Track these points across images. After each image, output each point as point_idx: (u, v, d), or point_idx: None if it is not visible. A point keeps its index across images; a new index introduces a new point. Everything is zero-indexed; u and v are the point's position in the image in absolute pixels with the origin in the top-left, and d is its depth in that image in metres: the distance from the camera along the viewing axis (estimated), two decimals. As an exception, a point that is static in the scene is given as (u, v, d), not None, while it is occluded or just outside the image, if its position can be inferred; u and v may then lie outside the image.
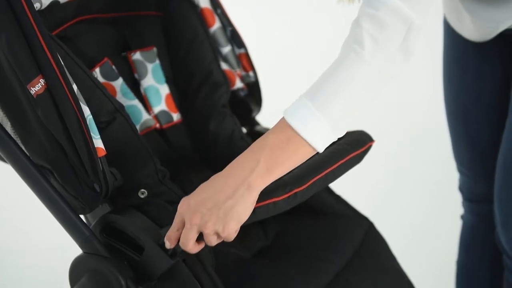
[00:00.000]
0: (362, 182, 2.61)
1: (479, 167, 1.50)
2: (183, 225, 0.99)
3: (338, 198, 1.35)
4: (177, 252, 1.05)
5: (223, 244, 1.24)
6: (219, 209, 0.95)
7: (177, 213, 0.99)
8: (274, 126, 0.97)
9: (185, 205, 0.98)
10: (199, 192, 0.98)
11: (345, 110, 0.94)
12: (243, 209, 0.95)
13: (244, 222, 0.97)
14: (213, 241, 0.98)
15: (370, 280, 1.22)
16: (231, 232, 0.96)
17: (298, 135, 0.94)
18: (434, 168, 2.55)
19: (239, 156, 0.98)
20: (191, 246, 0.98)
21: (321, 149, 0.95)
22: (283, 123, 0.95)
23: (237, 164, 0.97)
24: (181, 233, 0.99)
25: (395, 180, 2.64)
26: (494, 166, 1.42)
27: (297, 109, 0.94)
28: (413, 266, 1.88)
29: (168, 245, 1.02)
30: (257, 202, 0.97)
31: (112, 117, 1.11)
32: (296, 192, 1.00)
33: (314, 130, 0.93)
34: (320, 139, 0.94)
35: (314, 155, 0.96)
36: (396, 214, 2.45)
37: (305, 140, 0.94)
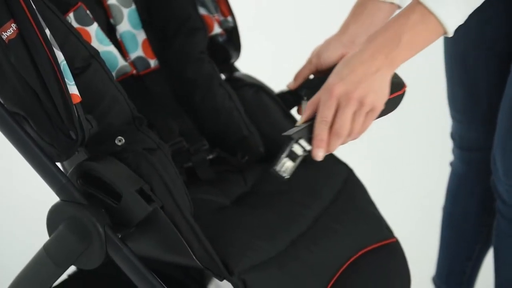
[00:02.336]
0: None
1: (474, 113, 1.50)
2: (334, 114, 0.99)
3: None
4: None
5: (201, 191, 1.25)
6: (373, 80, 0.99)
7: (328, 101, 1.00)
8: (411, 7, 1.00)
9: (341, 84, 0.99)
10: (348, 69, 1.00)
11: None
12: (387, 85, 1.01)
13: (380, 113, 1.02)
14: (362, 123, 1.00)
15: (348, 225, 1.23)
16: (381, 107, 1.01)
17: (436, 18, 0.99)
18: (426, 114, 2.55)
19: (379, 33, 1.01)
20: (348, 129, 1.00)
21: (452, 30, 1.01)
22: (419, 4, 0.99)
23: (380, 41, 1.01)
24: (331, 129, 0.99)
25: (384, 127, 2.64)
26: (490, 113, 1.41)
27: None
28: (397, 210, 1.91)
29: (322, 152, 1.01)
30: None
31: (87, 63, 1.09)
32: (405, 89, 1.09)
33: (451, 13, 0.99)
34: (455, 22, 1.01)
35: None
36: (386, 160, 2.46)
37: (441, 23, 1.00)
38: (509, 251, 1.50)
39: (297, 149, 1.00)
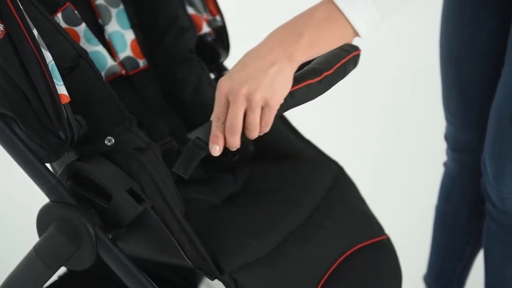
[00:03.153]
0: (346, 129, 2.62)
1: (467, 116, 1.50)
2: (226, 111, 0.96)
3: (308, 143, 1.35)
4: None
5: (192, 190, 1.25)
6: (265, 75, 0.94)
7: (217, 99, 0.97)
8: (320, 3, 0.97)
9: (227, 82, 0.95)
10: (241, 66, 0.96)
11: None
12: (285, 79, 0.96)
13: (283, 108, 0.98)
14: (258, 118, 0.96)
15: (339, 223, 1.23)
16: (277, 101, 0.96)
17: (345, 17, 0.95)
18: (421, 114, 2.55)
19: (279, 28, 0.97)
20: (240, 127, 0.96)
21: (363, 35, 0.97)
22: (329, 2, 0.96)
23: (279, 35, 0.96)
24: (225, 126, 0.97)
25: (378, 126, 2.65)
26: (482, 116, 1.42)
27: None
28: (389, 208, 1.91)
29: (218, 149, 0.99)
30: (293, 86, 0.98)
31: (76, 63, 1.09)
32: (326, 75, 1.01)
33: (360, 14, 0.95)
34: (364, 24, 0.96)
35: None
36: (381, 159, 2.46)
37: (350, 24, 0.96)
38: (497, 252, 1.50)
39: (194, 148, 1.00)
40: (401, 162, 2.44)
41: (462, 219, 1.62)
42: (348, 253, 1.21)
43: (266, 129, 0.98)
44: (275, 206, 1.21)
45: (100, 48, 1.22)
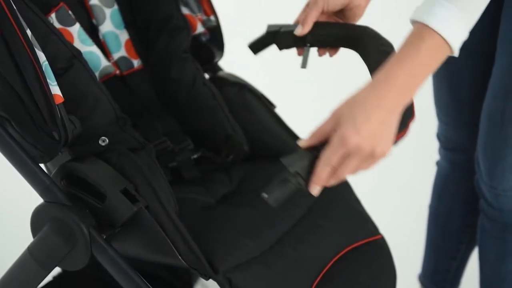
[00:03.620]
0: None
1: (459, 115, 1.50)
2: (341, 159, 0.94)
3: (302, 143, 1.35)
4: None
5: (187, 190, 1.25)
6: (388, 130, 0.94)
7: (339, 149, 0.93)
8: (418, 35, 0.95)
9: (356, 137, 0.92)
10: (364, 115, 0.93)
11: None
12: (394, 127, 0.95)
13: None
14: (361, 170, 0.96)
15: (334, 223, 1.23)
16: (387, 154, 0.96)
17: (445, 40, 0.95)
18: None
19: (396, 66, 0.94)
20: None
21: (457, 53, 0.98)
22: (429, 32, 0.95)
23: (401, 77, 0.94)
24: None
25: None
26: (473, 115, 1.42)
27: (443, 18, 0.95)
28: (384, 208, 1.90)
29: (318, 190, 0.97)
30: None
31: (69, 64, 1.09)
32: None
33: (457, 33, 0.96)
34: (459, 42, 0.97)
35: None
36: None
37: (449, 46, 0.96)
38: (492, 250, 1.51)
39: (292, 182, 0.97)
40: (394, 162, 2.44)
41: (455, 217, 1.62)
42: (343, 252, 1.21)
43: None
44: (269, 206, 1.20)
45: (94, 49, 1.22)
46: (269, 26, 1.24)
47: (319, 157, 0.96)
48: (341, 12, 1.20)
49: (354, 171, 0.96)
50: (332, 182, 0.97)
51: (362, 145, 0.93)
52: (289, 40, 1.22)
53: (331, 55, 1.23)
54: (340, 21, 1.22)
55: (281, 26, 1.23)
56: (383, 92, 0.93)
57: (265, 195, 0.97)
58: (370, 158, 0.94)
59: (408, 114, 0.99)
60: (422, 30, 0.95)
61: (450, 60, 1.42)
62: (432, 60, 0.96)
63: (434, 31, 0.95)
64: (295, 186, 0.97)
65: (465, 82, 1.45)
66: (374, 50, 1.12)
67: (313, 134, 0.98)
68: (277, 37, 1.23)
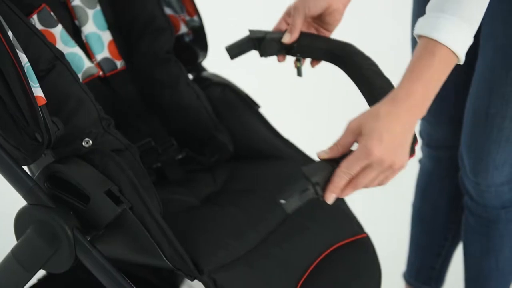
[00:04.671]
0: (324, 129, 2.62)
1: (441, 112, 1.51)
2: (360, 169, 0.97)
3: (286, 142, 1.35)
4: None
5: (171, 191, 1.25)
6: (407, 143, 0.98)
7: (361, 160, 0.96)
8: (429, 50, 0.98)
9: (380, 149, 0.95)
10: (387, 130, 0.96)
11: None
12: (411, 139, 0.99)
13: None
14: (378, 182, 0.99)
15: (319, 222, 1.24)
16: (405, 166, 0.99)
17: (454, 53, 0.99)
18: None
19: (416, 81, 0.98)
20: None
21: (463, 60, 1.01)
22: (436, 46, 0.98)
23: (420, 93, 0.98)
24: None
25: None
26: (456, 112, 1.43)
27: (449, 31, 0.98)
28: (368, 207, 1.91)
29: (334, 198, 0.99)
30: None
31: (52, 65, 1.08)
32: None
33: (463, 42, 0.99)
34: (465, 50, 1.00)
35: None
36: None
37: (457, 56, 0.99)
38: (477, 246, 1.52)
39: (310, 191, 0.99)
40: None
41: (439, 215, 1.63)
42: (327, 252, 1.21)
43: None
44: (254, 206, 1.21)
45: (77, 50, 1.22)
46: (252, 32, 1.24)
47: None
48: (320, 17, 1.21)
49: (371, 183, 0.99)
50: (348, 192, 0.99)
51: (384, 157, 0.96)
52: (274, 48, 1.23)
53: (312, 66, 1.25)
54: (321, 28, 1.24)
55: (265, 33, 1.23)
56: (405, 108, 0.97)
57: (282, 201, 0.99)
58: (387, 170, 0.98)
59: (414, 139, 1.02)
60: (431, 45, 0.99)
61: None
62: (442, 73, 1.00)
63: (443, 45, 0.98)
64: (313, 195, 0.99)
65: (448, 78, 1.45)
66: (365, 68, 1.15)
67: (334, 146, 1.00)
68: (262, 43, 1.23)
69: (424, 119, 1.55)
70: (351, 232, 1.26)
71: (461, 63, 1.02)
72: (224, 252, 1.11)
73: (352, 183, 0.98)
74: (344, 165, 0.97)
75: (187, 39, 1.37)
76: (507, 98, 1.28)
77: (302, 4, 1.21)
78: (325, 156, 1.00)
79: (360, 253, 1.25)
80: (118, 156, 1.09)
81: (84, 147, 1.10)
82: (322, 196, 0.99)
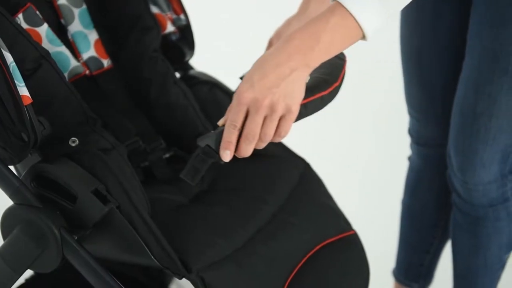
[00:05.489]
0: (312, 126, 2.62)
1: (430, 110, 1.51)
2: (244, 119, 0.96)
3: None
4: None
5: (159, 190, 1.24)
6: (287, 83, 0.96)
7: (237, 107, 0.96)
8: (331, 9, 0.98)
9: (250, 92, 0.95)
10: (259, 74, 0.96)
11: None
12: (302, 85, 0.98)
13: (296, 118, 0.99)
14: (274, 128, 0.97)
15: (306, 219, 1.24)
16: (297, 110, 0.97)
17: (356, 21, 0.97)
18: (384, 109, 2.57)
19: (296, 35, 0.97)
20: (258, 135, 0.97)
21: (369, 37, 0.99)
22: (342, 9, 0.97)
23: (297, 42, 0.97)
24: (239, 133, 0.97)
25: (342, 120, 2.66)
26: (445, 111, 1.43)
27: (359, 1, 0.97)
28: (358, 204, 1.92)
29: (229, 155, 0.98)
30: (307, 97, 1.00)
31: (37, 64, 1.08)
32: (335, 86, 1.04)
33: (371, 17, 0.97)
34: (372, 26, 0.98)
35: None
36: (345, 154, 2.47)
37: (360, 27, 0.97)
38: (465, 243, 1.52)
39: (204, 156, 1.00)
40: (367, 157, 2.46)
41: (428, 212, 1.63)
42: (315, 249, 1.22)
43: (281, 138, 0.99)
44: (242, 204, 1.21)
45: (63, 49, 1.21)
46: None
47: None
48: None
49: (265, 131, 0.97)
50: (244, 147, 0.98)
51: (257, 98, 0.95)
52: None
53: None
54: None
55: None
56: (280, 51, 0.97)
57: (182, 174, 1.01)
58: (274, 113, 0.96)
59: (326, 81, 1.03)
60: (336, 7, 0.98)
61: (421, 56, 1.44)
62: (340, 36, 0.98)
63: (346, 10, 0.97)
64: (206, 158, 1.00)
65: (435, 77, 1.46)
66: None
67: (227, 111, 1.00)
68: None
69: (413, 118, 1.56)
70: (338, 229, 1.27)
71: (367, 39, 1.00)
72: (212, 251, 1.11)
73: (243, 135, 0.97)
74: (228, 118, 0.98)
75: (174, 37, 1.37)
76: (493, 97, 1.28)
77: (285, 31, 1.23)
78: (222, 122, 1.00)
79: (348, 250, 1.26)
80: (105, 155, 1.09)
81: (71, 146, 1.09)
82: (218, 157, 0.99)
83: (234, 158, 1.30)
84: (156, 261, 1.07)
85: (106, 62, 1.29)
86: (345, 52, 1.06)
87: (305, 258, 1.20)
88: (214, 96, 1.34)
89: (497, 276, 1.56)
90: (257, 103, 0.95)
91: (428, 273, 1.70)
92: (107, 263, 1.10)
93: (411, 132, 1.60)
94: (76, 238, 1.07)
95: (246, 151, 0.98)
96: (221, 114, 1.33)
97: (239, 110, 0.96)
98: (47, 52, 1.10)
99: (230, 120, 0.97)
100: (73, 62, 1.23)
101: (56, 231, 1.05)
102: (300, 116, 1.00)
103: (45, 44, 1.18)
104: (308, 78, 1.02)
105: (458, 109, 1.35)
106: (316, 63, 0.97)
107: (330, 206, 1.29)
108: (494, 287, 1.57)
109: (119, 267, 1.20)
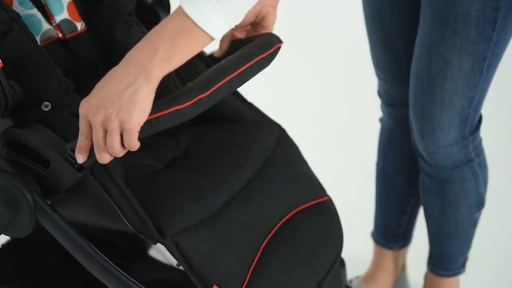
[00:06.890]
0: (286, 91, 2.62)
1: (395, 71, 1.52)
2: (90, 129, 0.97)
3: (251, 106, 1.34)
4: (85, 165, 1.03)
5: (134, 156, 1.24)
6: (121, 99, 0.93)
7: (80, 118, 0.97)
8: (172, 15, 0.95)
9: (86, 105, 0.96)
10: (99, 89, 0.96)
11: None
12: (144, 98, 0.94)
13: (148, 130, 0.96)
14: (116, 142, 0.95)
15: (281, 185, 1.24)
16: (135, 124, 0.94)
17: (198, 26, 0.94)
18: (355, 72, 2.57)
19: (135, 46, 0.96)
20: (105, 149, 0.96)
21: (219, 37, 0.96)
22: (182, 13, 0.94)
23: (135, 54, 0.95)
24: (91, 140, 0.97)
25: (315, 87, 2.66)
26: (409, 70, 1.43)
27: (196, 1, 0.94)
28: (332, 168, 1.92)
29: (82, 158, 1.00)
30: (160, 110, 0.96)
31: (8, 27, 1.06)
32: (200, 98, 0.99)
33: (213, 20, 0.94)
34: (219, 28, 0.95)
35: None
36: (320, 120, 2.48)
37: (203, 31, 0.94)
38: (434, 206, 1.54)
39: (70, 158, 1.03)
40: (339, 122, 2.46)
41: (402, 172, 1.65)
42: (290, 215, 1.22)
43: (132, 149, 0.97)
44: (217, 170, 1.21)
45: (35, 12, 1.19)
46: None
47: None
48: (254, 23, 1.21)
49: (110, 141, 0.96)
50: (102, 154, 0.97)
51: (91, 113, 0.95)
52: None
53: None
54: (260, 31, 1.22)
55: None
56: (120, 65, 0.96)
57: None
58: (108, 129, 0.95)
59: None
60: (175, 11, 0.96)
61: (381, 16, 1.44)
62: (182, 40, 0.95)
63: (184, 12, 0.94)
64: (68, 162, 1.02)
65: (398, 38, 1.46)
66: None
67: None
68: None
69: (380, 78, 1.57)
70: (313, 194, 1.27)
71: (216, 38, 0.97)
72: (187, 216, 1.11)
73: (94, 144, 0.98)
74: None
75: (149, 0, 1.35)
76: (446, 59, 1.28)
77: None
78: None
79: (322, 215, 1.26)
80: (77, 120, 1.08)
81: (43, 111, 1.08)
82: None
83: (211, 125, 1.30)
84: (130, 226, 1.07)
85: (79, 25, 1.27)
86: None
87: (280, 224, 1.20)
88: (189, 60, 1.32)
89: (470, 234, 1.59)
90: (91, 117, 0.95)
91: (406, 233, 1.72)
92: (82, 228, 1.10)
93: (380, 93, 1.60)
94: (49, 203, 1.07)
95: (102, 159, 0.98)
96: (195, 76, 1.32)
97: (82, 121, 0.97)
98: (18, 15, 1.08)
99: (80, 128, 0.98)
100: (45, 25, 1.21)
101: (28, 196, 1.05)
102: (152, 129, 0.97)
103: (16, 7, 1.16)
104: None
105: (414, 73, 1.36)
106: (159, 73, 0.94)
107: (305, 172, 1.30)
108: (468, 244, 1.61)
109: (95, 231, 1.20)
